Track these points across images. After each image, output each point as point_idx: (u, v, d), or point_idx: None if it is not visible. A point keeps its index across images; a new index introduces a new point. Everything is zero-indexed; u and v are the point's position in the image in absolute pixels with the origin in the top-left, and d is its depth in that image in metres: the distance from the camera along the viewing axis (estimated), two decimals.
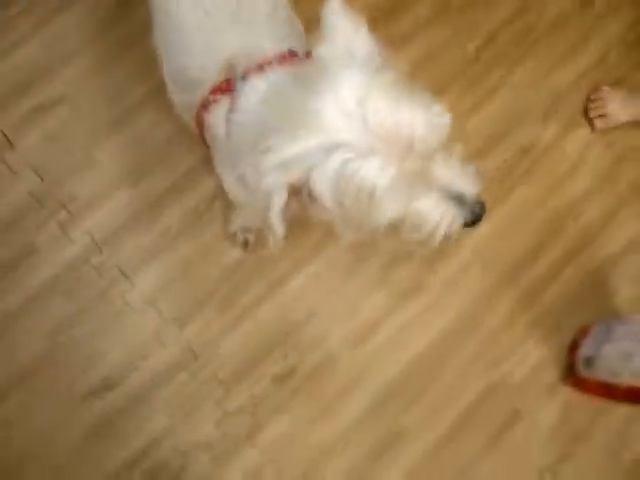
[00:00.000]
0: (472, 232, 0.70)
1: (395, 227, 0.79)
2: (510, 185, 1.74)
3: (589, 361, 1.58)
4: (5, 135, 1.59)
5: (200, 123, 1.04)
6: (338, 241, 1.62)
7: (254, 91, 0.90)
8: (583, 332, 1.66)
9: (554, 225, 1.75)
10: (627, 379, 1.45)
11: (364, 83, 0.74)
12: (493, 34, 1.82)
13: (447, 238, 0.81)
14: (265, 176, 0.75)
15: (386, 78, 0.76)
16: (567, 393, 1.66)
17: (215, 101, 0.98)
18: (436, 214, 0.79)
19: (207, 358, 1.54)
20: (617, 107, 1.76)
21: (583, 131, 1.81)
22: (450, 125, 0.76)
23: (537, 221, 1.74)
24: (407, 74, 0.81)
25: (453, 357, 1.64)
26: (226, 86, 0.96)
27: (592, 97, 1.80)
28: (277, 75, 0.91)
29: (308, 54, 1.03)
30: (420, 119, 0.74)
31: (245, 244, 1.57)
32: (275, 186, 0.75)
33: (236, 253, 1.59)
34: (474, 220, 0.81)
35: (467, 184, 0.80)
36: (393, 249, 1.62)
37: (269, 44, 0.98)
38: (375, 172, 0.72)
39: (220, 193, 1.56)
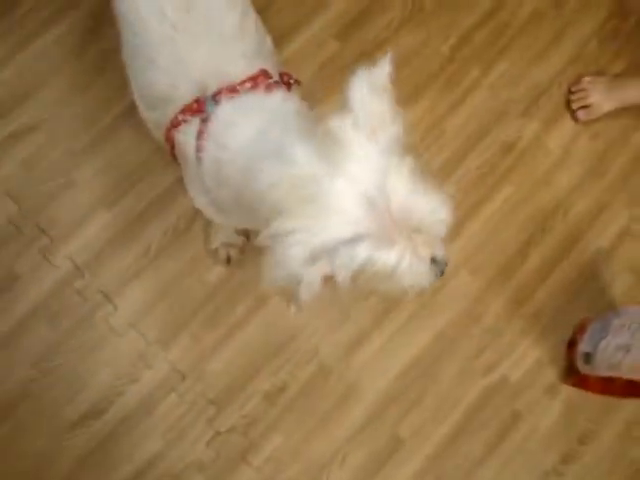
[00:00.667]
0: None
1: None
2: (493, 184, 1.72)
3: (588, 357, 1.55)
4: None
5: (170, 141, 1.03)
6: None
7: (230, 120, 0.91)
8: (580, 328, 1.64)
9: (542, 222, 1.73)
10: (625, 372, 1.41)
11: (384, 168, 0.76)
12: (468, 34, 1.82)
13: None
14: (293, 262, 0.76)
15: (405, 165, 0.78)
16: (568, 392, 1.64)
17: (185, 121, 0.97)
18: (425, 279, 0.84)
19: (195, 378, 1.52)
20: (600, 97, 1.75)
21: (566, 124, 1.79)
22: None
23: (524, 219, 1.72)
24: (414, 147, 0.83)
25: (448, 362, 1.62)
26: (196, 107, 0.95)
27: (573, 89, 1.79)
28: (252, 102, 0.92)
29: (284, 76, 1.02)
30: (431, 208, 0.78)
31: (228, 260, 1.55)
32: (309, 277, 0.77)
33: (219, 270, 1.57)
34: (440, 275, 0.88)
35: (440, 250, 0.86)
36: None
37: (239, 62, 0.97)
38: (395, 259, 0.76)
39: (199, 210, 1.55)
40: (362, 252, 0.75)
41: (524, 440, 1.59)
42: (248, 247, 1.56)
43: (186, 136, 0.97)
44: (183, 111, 0.96)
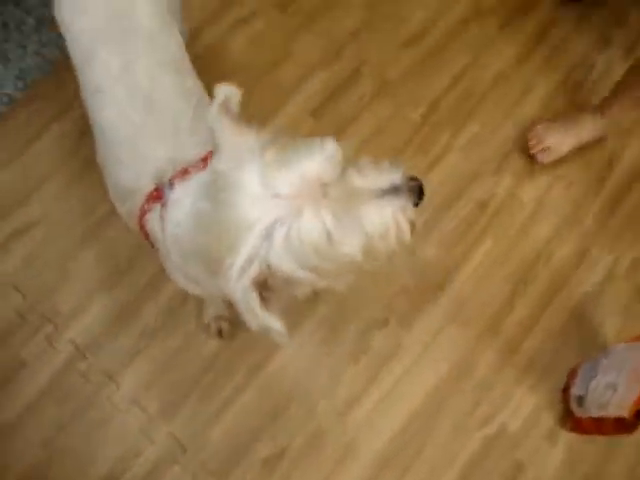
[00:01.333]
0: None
1: (369, 250, 0.80)
2: (472, 241, 1.78)
3: (580, 400, 1.57)
4: None
5: (143, 230, 1.10)
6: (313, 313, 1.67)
7: (178, 200, 0.95)
8: (572, 373, 1.66)
9: (525, 272, 1.78)
10: (613, 411, 1.43)
11: (258, 166, 0.78)
12: (436, 101, 1.92)
13: (412, 227, 0.82)
14: (235, 291, 0.79)
15: (271, 149, 0.79)
16: (568, 437, 1.64)
17: (150, 210, 1.04)
18: (386, 215, 0.80)
19: (196, 449, 1.55)
20: (557, 137, 1.80)
21: (538, 176, 1.86)
22: (340, 147, 0.79)
23: (507, 272, 1.77)
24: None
25: (443, 417, 1.64)
26: (156, 194, 1.01)
27: (529, 136, 1.85)
28: (198, 179, 0.94)
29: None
30: (316, 161, 0.77)
31: (219, 333, 1.61)
32: (243, 291, 0.78)
33: (214, 343, 1.63)
34: (418, 194, 0.82)
35: (388, 173, 0.81)
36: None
37: (195, 149, 1.03)
38: (314, 222, 0.74)
39: None
40: (278, 235, 0.75)
41: None
42: (239, 318, 1.62)
43: (153, 222, 1.03)
44: (147, 200, 1.03)
